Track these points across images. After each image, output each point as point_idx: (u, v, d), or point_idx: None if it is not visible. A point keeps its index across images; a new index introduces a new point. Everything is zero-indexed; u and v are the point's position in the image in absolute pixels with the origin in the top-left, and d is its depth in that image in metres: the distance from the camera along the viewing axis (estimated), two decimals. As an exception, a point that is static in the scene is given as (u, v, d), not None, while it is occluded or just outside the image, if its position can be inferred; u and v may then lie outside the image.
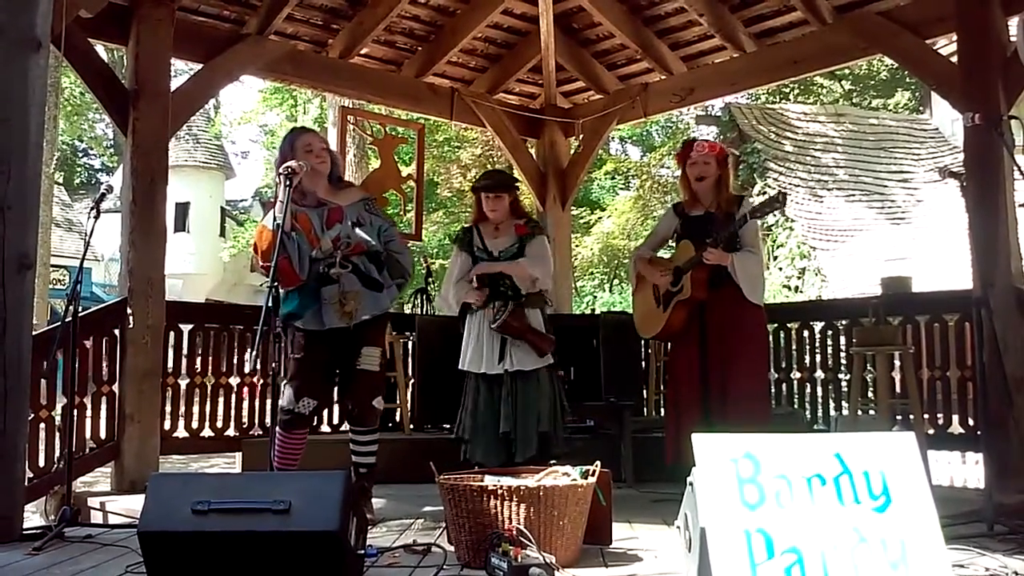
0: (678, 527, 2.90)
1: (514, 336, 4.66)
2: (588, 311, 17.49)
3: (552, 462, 4.07)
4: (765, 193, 14.19)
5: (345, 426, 6.10)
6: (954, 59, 5.28)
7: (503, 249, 4.80)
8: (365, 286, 4.14)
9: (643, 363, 7.02)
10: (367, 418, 4.22)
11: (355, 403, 4.23)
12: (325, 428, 6.29)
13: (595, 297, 20.45)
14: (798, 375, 6.33)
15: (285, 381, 4.24)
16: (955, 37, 5.28)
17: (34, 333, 4.06)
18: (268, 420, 4.98)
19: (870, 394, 5.78)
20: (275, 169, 4.19)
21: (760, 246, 4.77)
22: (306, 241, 4.07)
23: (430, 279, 8.34)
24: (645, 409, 6.80)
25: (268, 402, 5.62)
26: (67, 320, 4.01)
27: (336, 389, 4.49)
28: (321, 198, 4.21)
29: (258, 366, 5.72)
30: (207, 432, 5.95)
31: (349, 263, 4.12)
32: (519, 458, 4.49)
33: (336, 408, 6.18)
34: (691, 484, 2.68)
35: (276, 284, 3.68)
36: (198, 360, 5.97)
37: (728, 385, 4.51)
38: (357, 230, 4.15)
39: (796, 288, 13.72)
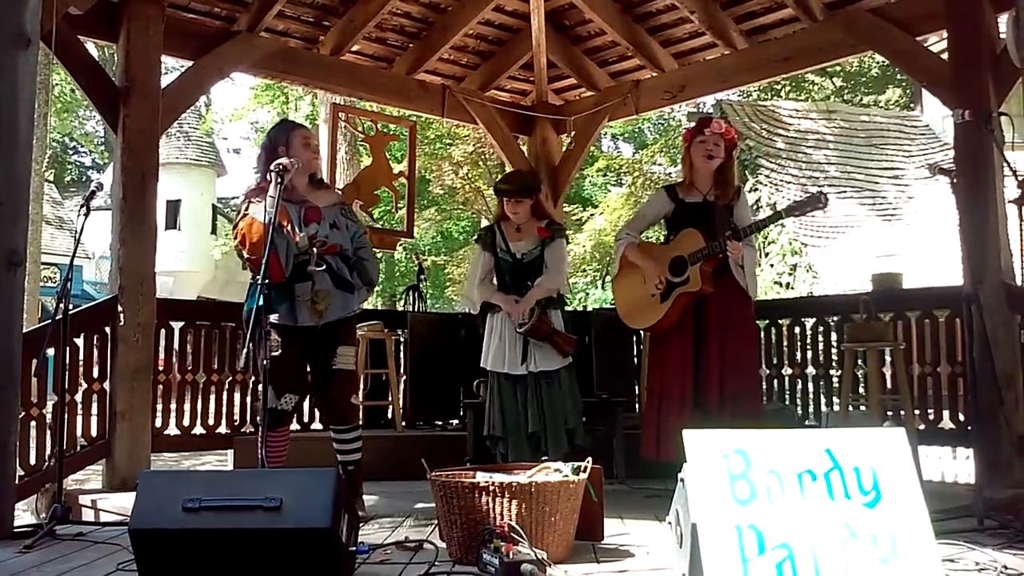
0: (669, 523, 2.91)
1: (540, 339, 4.74)
2: (580, 308, 17.50)
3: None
4: (756, 190, 14.22)
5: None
6: (944, 56, 5.30)
7: (525, 252, 4.85)
8: (337, 286, 4.16)
9: (635, 359, 7.03)
10: (349, 416, 4.25)
11: (334, 403, 4.25)
12: (317, 425, 6.27)
13: (587, 294, 20.48)
14: (789, 371, 6.34)
15: (264, 380, 4.24)
16: (945, 34, 5.30)
17: (24, 331, 4.05)
18: (259, 418, 4.97)
19: (861, 390, 5.80)
20: (261, 158, 4.21)
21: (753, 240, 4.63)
22: (290, 237, 4.08)
23: (422, 276, 8.33)
24: (637, 406, 6.80)
25: (259, 399, 5.62)
26: (58, 318, 4.00)
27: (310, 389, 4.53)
28: (301, 195, 4.23)
29: (250, 364, 5.72)
30: (198, 429, 5.95)
31: (324, 262, 4.12)
32: (551, 456, 4.55)
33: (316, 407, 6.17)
34: (682, 480, 2.69)
35: (267, 281, 3.68)
36: (189, 358, 5.96)
37: (727, 380, 4.37)
38: (332, 231, 4.18)
39: (787, 284, 13.74)
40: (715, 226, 4.38)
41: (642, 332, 6.95)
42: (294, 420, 5.93)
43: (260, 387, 3.84)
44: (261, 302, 3.61)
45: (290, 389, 4.15)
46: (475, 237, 5.23)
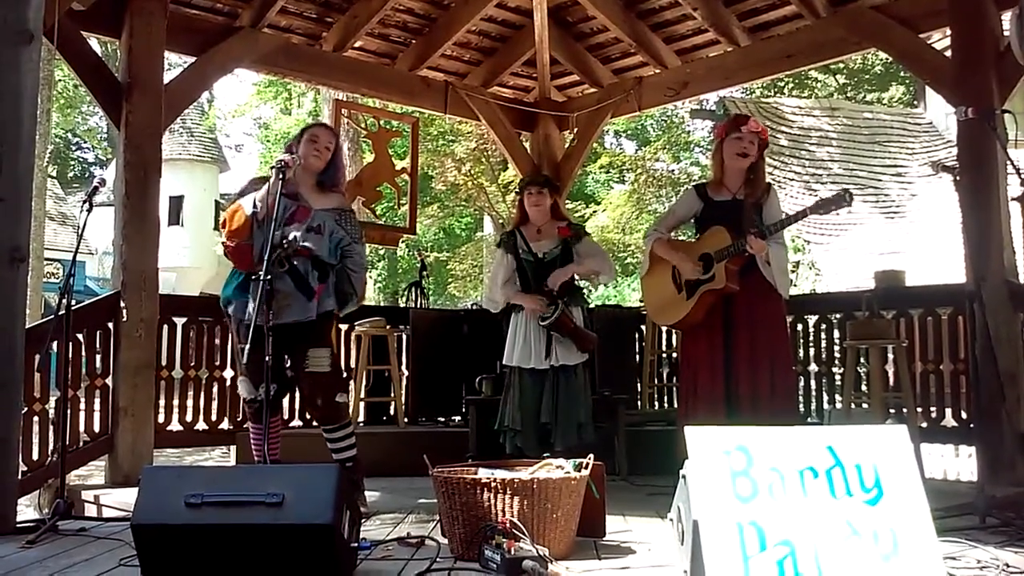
0: (671, 520, 2.91)
1: (563, 333, 4.87)
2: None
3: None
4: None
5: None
6: (948, 53, 5.30)
7: (546, 251, 5.02)
8: (298, 289, 4.09)
9: (637, 357, 7.04)
10: (333, 416, 4.22)
11: (313, 405, 4.22)
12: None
13: (590, 291, 20.47)
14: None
15: (240, 373, 4.25)
16: (949, 31, 5.30)
17: (27, 326, 4.05)
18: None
19: (863, 387, 5.79)
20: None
21: (785, 237, 4.56)
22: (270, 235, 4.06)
23: (424, 272, 8.33)
24: (639, 403, 6.81)
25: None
26: (60, 313, 4.00)
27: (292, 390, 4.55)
28: (299, 192, 4.19)
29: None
30: (201, 425, 5.95)
31: (287, 263, 4.07)
32: (559, 447, 4.68)
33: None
34: (684, 477, 2.69)
35: (269, 278, 3.68)
36: (192, 353, 5.96)
37: (760, 378, 4.28)
38: (310, 235, 4.09)
39: (790, 282, 13.75)
40: (742, 224, 4.31)
41: (644, 329, 6.98)
42: (286, 413, 5.96)
43: (266, 380, 3.81)
44: (263, 298, 3.64)
45: (262, 381, 4.02)
46: (496, 242, 5.44)
